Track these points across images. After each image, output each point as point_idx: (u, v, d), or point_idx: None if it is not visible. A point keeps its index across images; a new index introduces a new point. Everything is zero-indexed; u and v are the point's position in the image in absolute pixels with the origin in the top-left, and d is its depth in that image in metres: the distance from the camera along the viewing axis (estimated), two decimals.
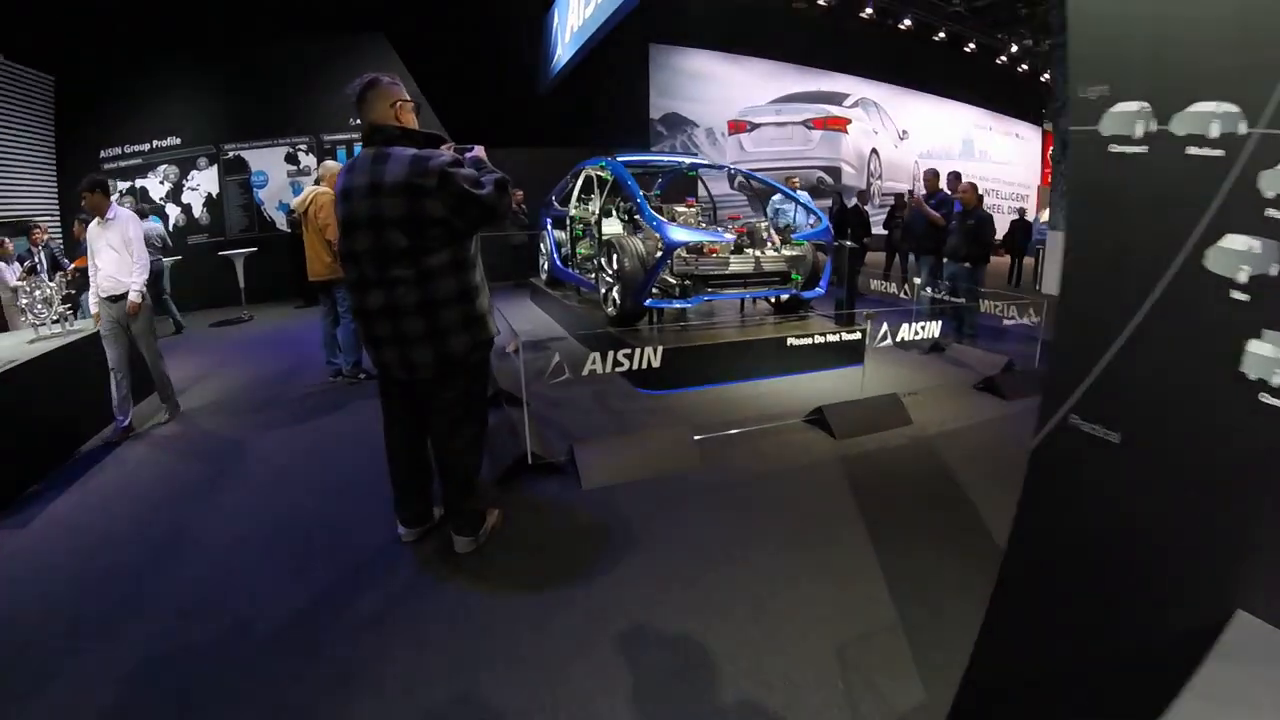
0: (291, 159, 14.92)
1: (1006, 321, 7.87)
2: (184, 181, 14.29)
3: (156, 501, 5.02)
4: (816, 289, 8.42)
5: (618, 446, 5.41)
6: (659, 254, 7.46)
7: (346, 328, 7.70)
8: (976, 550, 4.07)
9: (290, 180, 14.86)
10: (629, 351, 5.58)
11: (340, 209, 3.61)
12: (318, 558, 4.12)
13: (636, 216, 8.73)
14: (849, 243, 8.49)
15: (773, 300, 8.97)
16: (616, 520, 4.52)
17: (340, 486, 5.13)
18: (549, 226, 11.42)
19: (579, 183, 10.40)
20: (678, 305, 7.78)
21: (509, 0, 16.76)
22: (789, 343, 7.62)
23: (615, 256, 7.87)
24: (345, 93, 3.64)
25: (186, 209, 14.30)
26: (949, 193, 10.13)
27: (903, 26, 22.84)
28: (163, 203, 14.13)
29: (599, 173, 9.71)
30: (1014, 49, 25.42)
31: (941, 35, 23.81)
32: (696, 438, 5.60)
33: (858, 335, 7.11)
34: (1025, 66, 27.36)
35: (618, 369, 5.59)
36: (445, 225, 3.43)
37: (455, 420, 3.84)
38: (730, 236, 8.04)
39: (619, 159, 9.18)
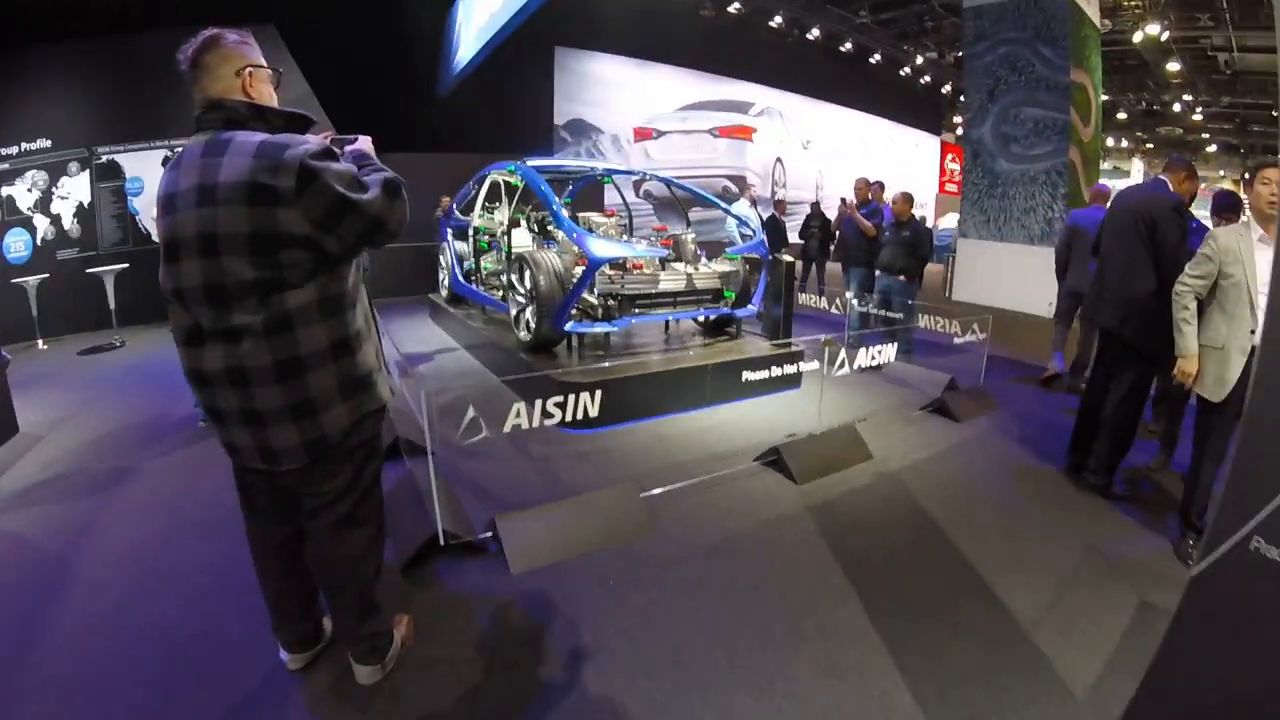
0: (169, 163, 13.17)
1: (958, 340, 7.14)
2: (54, 189, 12.39)
3: None
4: (749, 307, 7.58)
5: (551, 514, 4.40)
6: (580, 271, 6.49)
7: None
8: (974, 622, 3.55)
9: None
10: (560, 401, 4.56)
11: (161, 224, 2.46)
12: (181, 697, 2.96)
13: (550, 227, 7.74)
14: (787, 255, 7.61)
15: (701, 320, 8.06)
16: (557, 617, 3.55)
17: (217, 581, 3.85)
18: (449, 238, 10.20)
19: (484, 189, 9.36)
20: (601, 329, 6.78)
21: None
22: (743, 375, 6.88)
23: (529, 274, 6.86)
24: (176, 60, 2.51)
25: (56, 220, 12.39)
26: (881, 202, 9.47)
27: (811, 37, 22.44)
28: (30, 213, 12.19)
29: (507, 178, 8.69)
30: (919, 61, 25.27)
31: (848, 46, 23.49)
32: (643, 495, 4.67)
33: (814, 365, 6.25)
34: (928, 78, 27.37)
35: (548, 420, 4.54)
36: (310, 246, 2.34)
37: (340, 522, 2.76)
38: (660, 251, 7.11)
39: (530, 164, 8.19)
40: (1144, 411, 5.26)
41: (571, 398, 4.55)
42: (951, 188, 31.12)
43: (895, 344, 6.52)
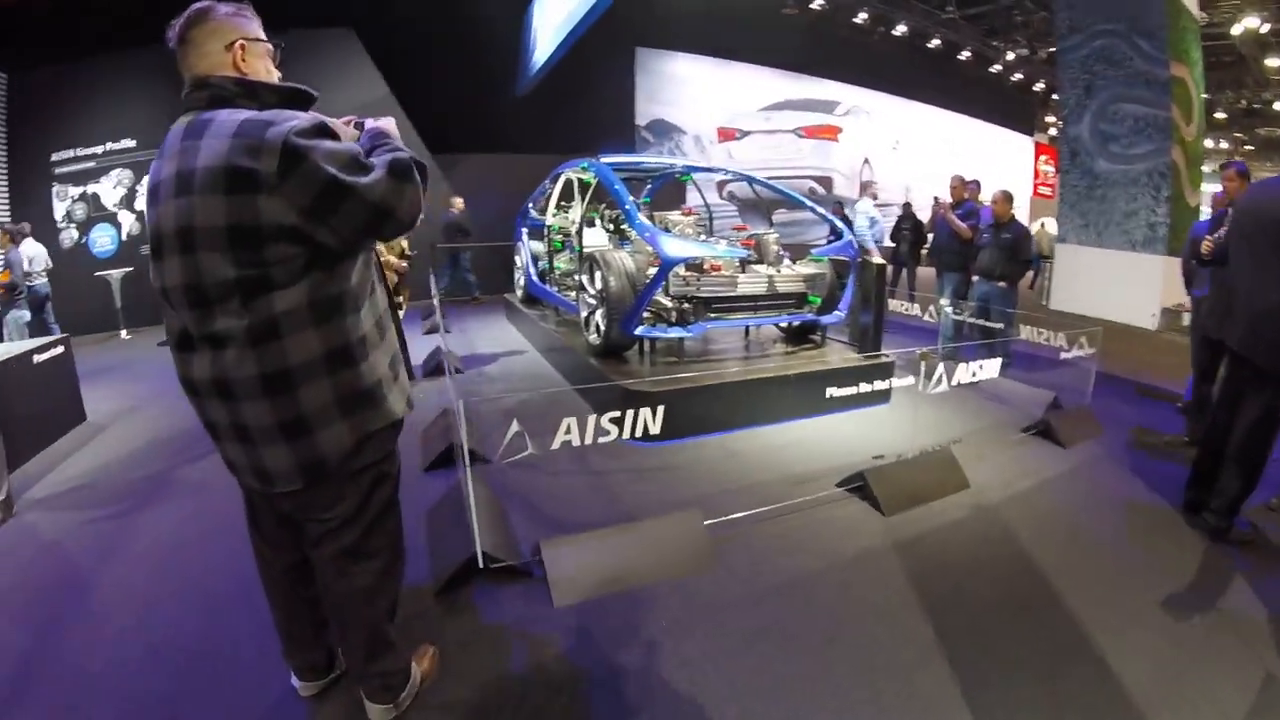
0: None
1: (1064, 355, 6.41)
2: (137, 188, 12.73)
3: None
4: (835, 313, 6.94)
5: (602, 542, 3.90)
6: (653, 272, 5.98)
7: None
8: (1077, 691, 2.94)
9: None
10: (617, 417, 4.00)
11: (148, 216, 2.13)
12: (184, 717, 2.75)
13: (624, 226, 7.26)
14: (878, 258, 6.98)
15: (783, 326, 7.48)
16: (598, 663, 3.07)
17: (244, 595, 3.51)
18: (524, 237, 9.83)
19: (558, 188, 8.93)
20: (675, 335, 6.25)
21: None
22: (827, 389, 6.30)
23: (599, 274, 6.38)
24: (165, 40, 2.13)
25: (140, 217, 12.63)
26: (977, 202, 8.75)
27: (896, 33, 21.52)
28: (115, 209, 12.67)
29: (581, 175, 8.24)
30: (1009, 57, 24.09)
31: (936, 43, 22.44)
32: (708, 523, 4.12)
33: (908, 380, 5.61)
34: (1019, 76, 26.07)
35: (603, 438, 3.99)
36: (299, 239, 1.98)
37: (346, 553, 2.39)
38: (740, 251, 6.55)
39: (604, 160, 7.71)
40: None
41: (630, 414, 4.00)
42: (1045, 190, 29.71)
43: (1000, 358, 5.82)
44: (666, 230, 6.95)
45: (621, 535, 3.97)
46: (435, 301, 9.05)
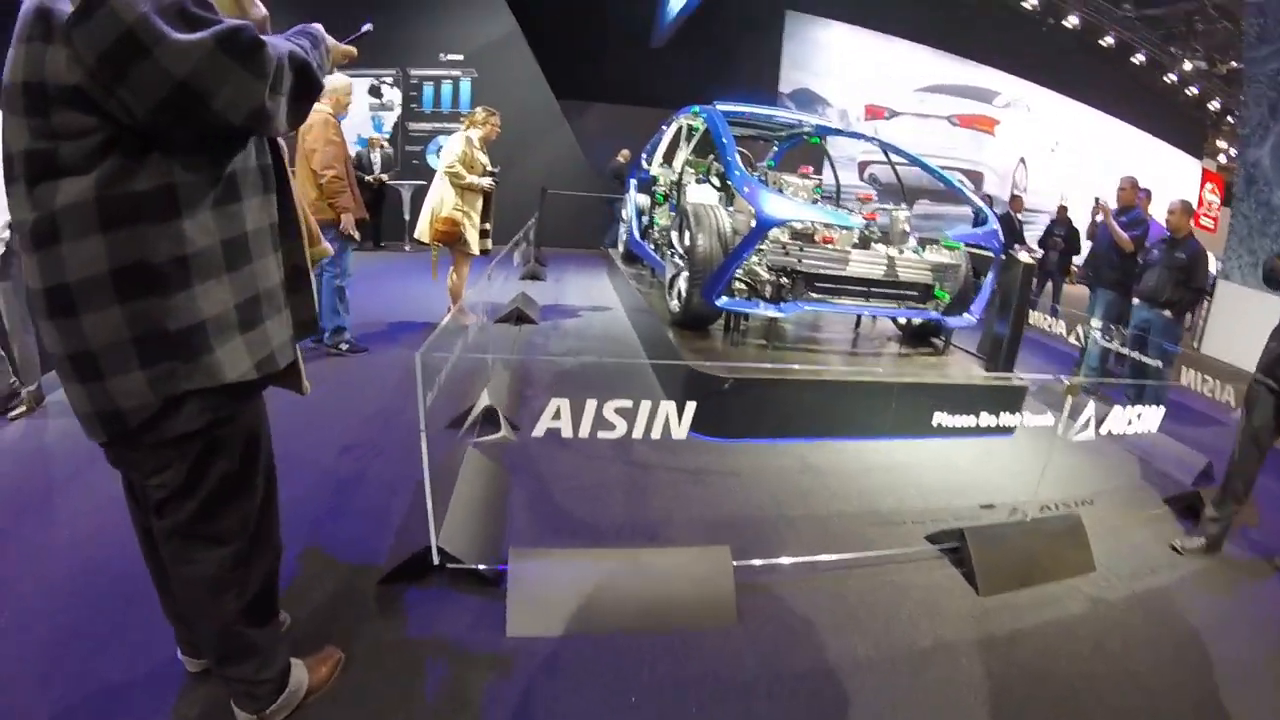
0: (375, 92, 13.16)
1: (1233, 414, 4.86)
2: None
3: None
4: (966, 315, 5.61)
5: (590, 565, 2.90)
6: (748, 233, 4.81)
7: (327, 283, 5.61)
8: None
9: (372, 114, 13.16)
10: (628, 408, 2.90)
11: None
12: (68, 669, 2.29)
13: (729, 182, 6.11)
14: (1025, 255, 5.58)
15: (900, 322, 6.16)
16: None
17: None
18: (633, 189, 8.73)
19: (668, 136, 7.82)
20: (766, 312, 5.06)
21: None
22: (934, 415, 4.88)
23: (689, 231, 5.26)
24: None
25: None
26: (1147, 213, 7.21)
27: (1067, 25, 19.20)
28: None
29: (691, 122, 7.10)
30: (1185, 67, 21.44)
31: (1108, 41, 19.97)
32: (741, 564, 3.02)
33: (1044, 419, 4.26)
34: (1193, 90, 23.28)
35: (605, 433, 2.89)
36: (89, 108, 1.46)
37: (181, 532, 1.86)
38: (856, 221, 5.28)
39: (720, 108, 6.55)
40: None
41: (645, 407, 2.90)
42: (1207, 222, 26.58)
43: (1161, 407, 4.36)
44: (774, 188, 5.76)
45: (618, 560, 2.97)
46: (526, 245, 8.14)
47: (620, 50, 14.82)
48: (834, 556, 3.29)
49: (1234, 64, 19.51)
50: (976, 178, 19.47)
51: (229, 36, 1.44)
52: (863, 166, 17.32)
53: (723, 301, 4.98)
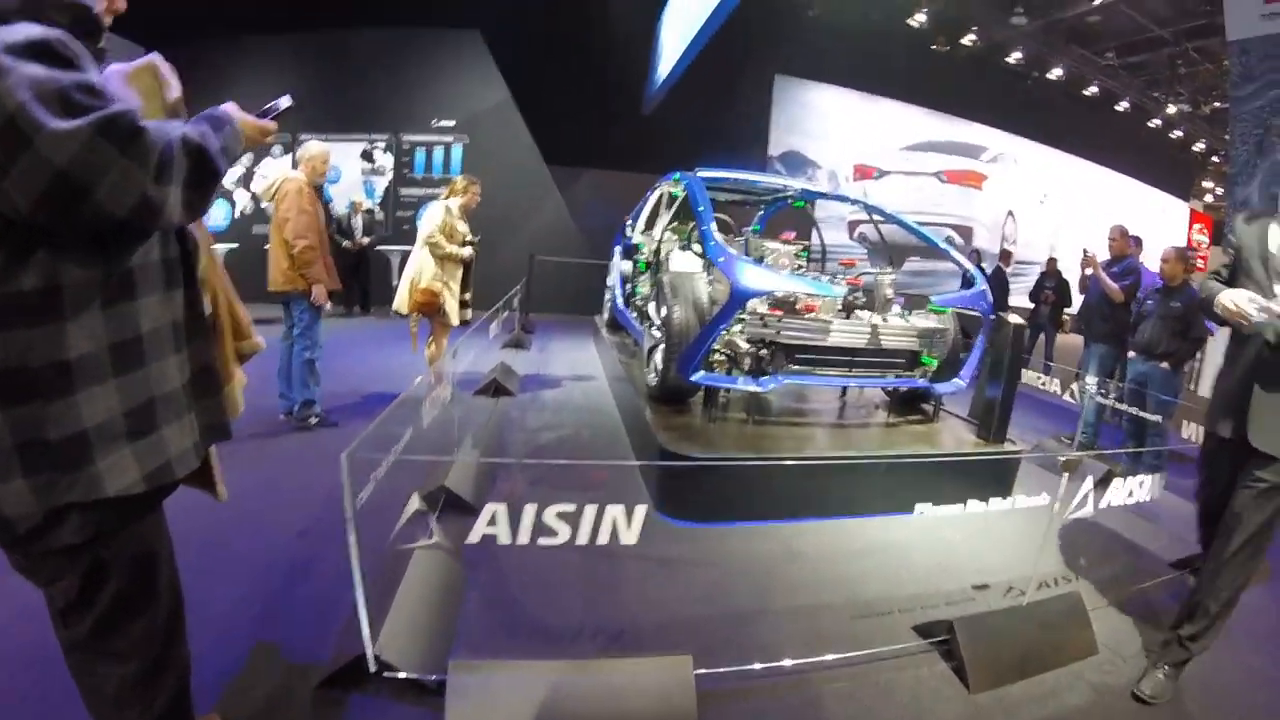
0: (367, 157, 13.28)
1: None
2: (255, 169, 12.72)
3: None
4: (955, 380, 5.32)
5: (535, 679, 2.56)
6: (723, 305, 4.57)
7: (298, 354, 5.43)
8: None
9: (363, 178, 13.23)
10: (571, 511, 2.59)
11: None
12: None
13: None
14: (1015, 317, 5.31)
15: (890, 389, 5.87)
16: None
17: None
18: (617, 256, 8.51)
19: (650, 203, 7.64)
20: (744, 387, 4.78)
21: (617, 9, 14.30)
22: (915, 503, 4.47)
23: (665, 302, 5.03)
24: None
25: (255, 197, 12.60)
26: (1138, 260, 6.97)
27: (1052, 77, 19.31)
28: (233, 187, 12.78)
29: (672, 189, 6.91)
30: (1169, 110, 21.44)
31: (1092, 90, 20.04)
32: (707, 671, 2.71)
33: (1039, 500, 3.93)
34: (1179, 133, 23.26)
35: (545, 539, 2.57)
36: None
37: (81, 646, 1.74)
38: (837, 290, 5.03)
39: (701, 174, 6.36)
40: None
41: (589, 512, 2.61)
42: (1199, 262, 26.39)
43: (1161, 473, 4.06)
44: (758, 258, 5.54)
45: (567, 672, 2.63)
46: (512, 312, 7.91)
47: (611, 116, 14.87)
48: (812, 660, 2.95)
49: (1217, 104, 19.56)
50: (966, 232, 19.43)
51: (108, 122, 1.34)
52: (852, 226, 17.30)
53: (698, 376, 4.70)
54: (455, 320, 6.14)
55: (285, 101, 1.97)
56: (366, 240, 11.54)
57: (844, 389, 6.14)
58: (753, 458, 4.32)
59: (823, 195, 8.33)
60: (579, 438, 5.66)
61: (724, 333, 4.72)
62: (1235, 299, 2.76)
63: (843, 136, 18.55)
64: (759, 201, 8.43)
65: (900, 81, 18.63)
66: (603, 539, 2.62)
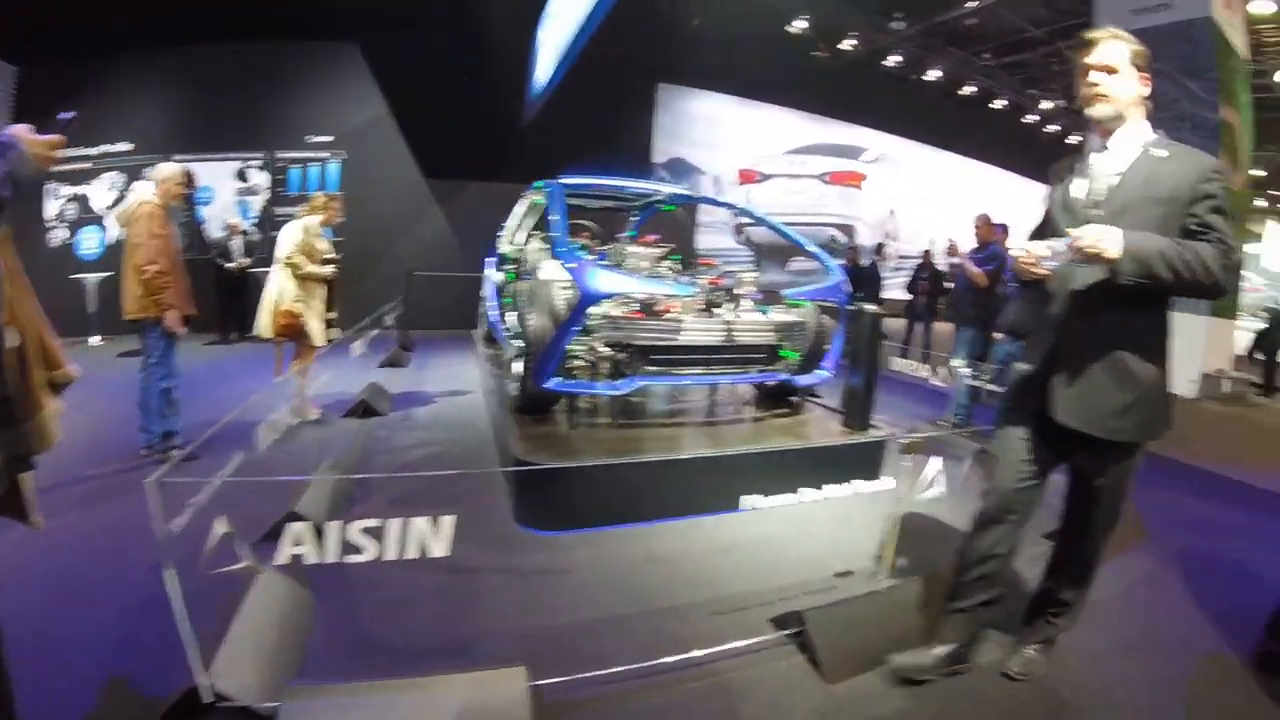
0: (241, 176, 12.61)
1: None
2: (128, 192, 11.70)
3: None
4: (819, 371, 5.32)
5: (369, 699, 2.42)
6: (572, 310, 4.45)
7: (154, 384, 5.06)
8: None
9: (238, 199, 12.53)
10: (375, 526, 2.44)
11: None
12: None
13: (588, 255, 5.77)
14: (869, 305, 5.32)
15: (758, 385, 5.81)
16: None
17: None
18: (489, 268, 8.29)
19: (519, 212, 7.48)
20: (601, 392, 4.66)
21: (495, 20, 14.05)
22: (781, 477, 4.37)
23: (521, 310, 4.89)
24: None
25: None
26: (1004, 248, 7.13)
27: (929, 79, 19.93)
28: (105, 213, 11.94)
29: (537, 197, 6.78)
30: (1044, 106, 22.29)
31: (970, 90, 20.76)
32: (543, 683, 2.57)
33: (883, 484, 3.89)
34: (1056, 127, 24.21)
35: (352, 557, 2.43)
36: None
37: None
38: (685, 289, 4.94)
39: (564, 180, 6.25)
40: None
41: (394, 526, 2.47)
42: None
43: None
44: (617, 262, 5.45)
45: (403, 692, 2.47)
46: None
47: (492, 127, 14.50)
48: (667, 660, 2.83)
49: None
50: (850, 230, 19.79)
51: None
52: (738, 229, 17.37)
53: (554, 383, 4.55)
54: (320, 341, 5.91)
55: (64, 116, 1.99)
56: (248, 261, 11.03)
57: (715, 387, 6.06)
58: (589, 462, 4.14)
59: (692, 198, 8.31)
60: (447, 454, 5.45)
61: (581, 338, 4.60)
62: (1025, 245, 2.61)
63: (726, 142, 18.75)
64: (631, 207, 8.34)
65: (782, 87, 18.90)
66: (411, 553, 2.48)
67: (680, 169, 17.97)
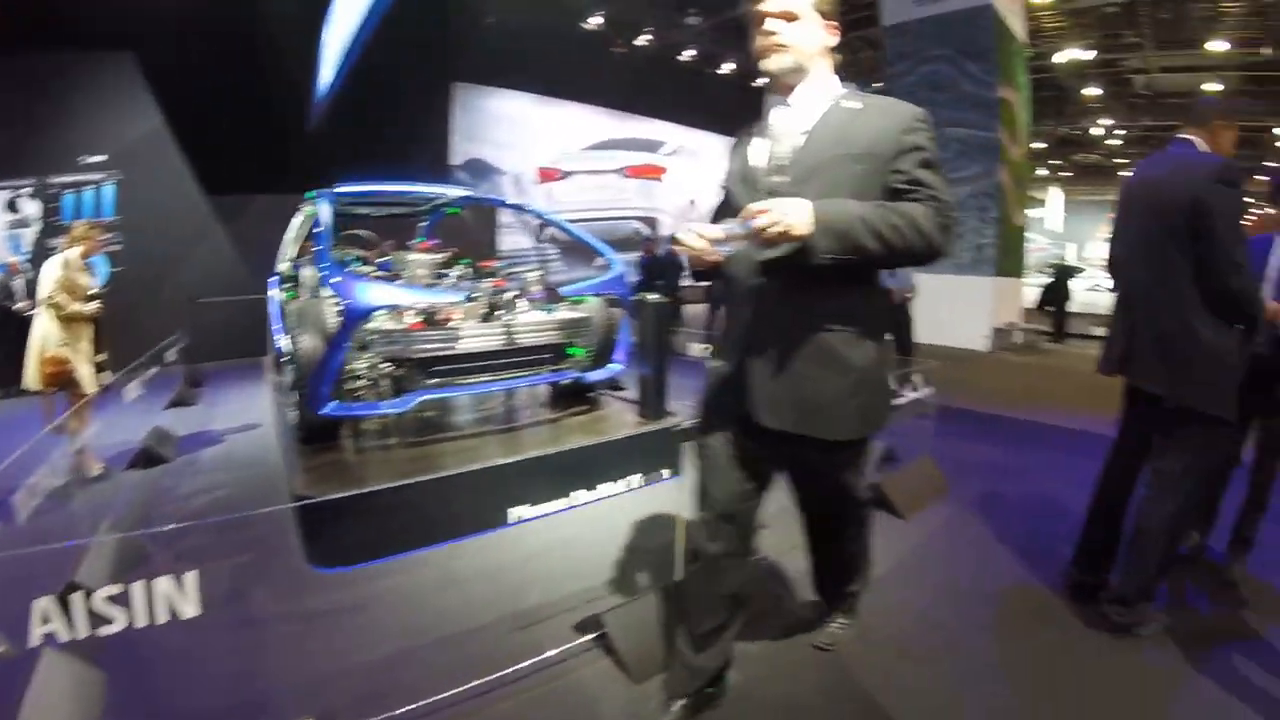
0: (12, 206, 10.99)
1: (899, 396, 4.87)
2: None
3: None
4: (612, 365, 5.29)
5: None
6: (339, 328, 4.19)
7: None
8: None
9: (9, 232, 10.93)
10: (120, 591, 2.17)
11: None
12: None
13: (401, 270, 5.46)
14: (654, 295, 5.29)
15: (554, 385, 5.68)
16: None
17: None
18: (272, 288, 7.70)
19: (296, 226, 7.05)
20: (383, 412, 4.41)
21: (279, 20, 13.22)
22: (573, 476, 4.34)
23: (293, 332, 4.58)
24: None
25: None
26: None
27: (724, 71, 20.69)
28: None
29: (310, 209, 6.39)
30: None
31: (762, 81, 21.36)
32: None
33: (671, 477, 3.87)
34: None
35: (103, 629, 2.14)
36: None
37: None
38: (461, 295, 4.73)
39: (341, 189, 5.91)
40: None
41: (137, 590, 2.18)
42: None
43: None
44: (394, 274, 5.19)
45: None
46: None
47: (277, 137, 13.53)
48: (475, 683, 2.68)
49: (877, 85, 21.71)
50: (653, 223, 20.16)
51: None
52: (541, 228, 17.15)
53: (331, 407, 4.26)
54: (90, 387, 5.31)
55: None
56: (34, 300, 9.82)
57: (511, 391, 5.88)
58: (357, 491, 3.87)
59: (478, 199, 8.08)
60: (235, 497, 4.97)
61: (357, 356, 4.33)
62: (695, 229, 2.05)
63: (525, 141, 18.50)
64: (418, 212, 8.02)
65: (580, 84, 18.88)
66: (161, 616, 2.21)
67: (479, 170, 17.61)
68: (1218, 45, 16.79)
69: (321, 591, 3.58)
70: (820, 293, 2.13)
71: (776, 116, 2.29)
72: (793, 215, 1.86)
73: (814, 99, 2.21)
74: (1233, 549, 3.70)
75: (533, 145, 18.63)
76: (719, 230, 1.98)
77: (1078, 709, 2.62)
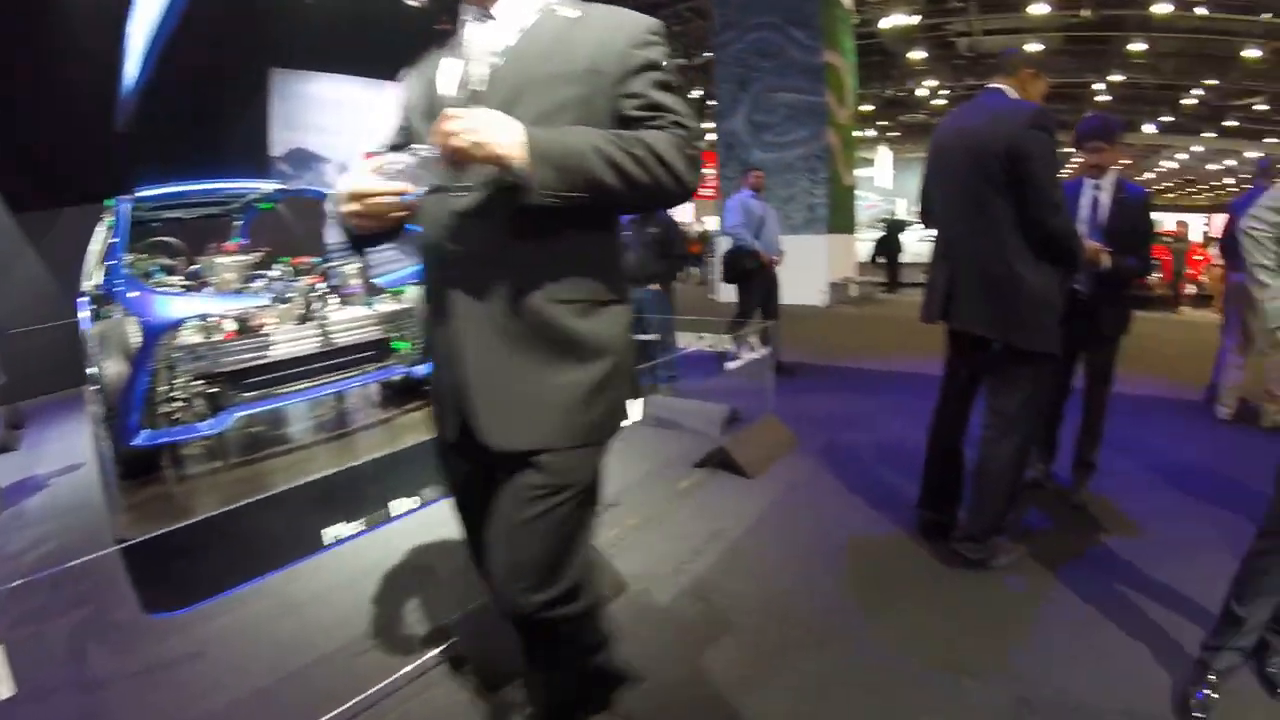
0: None
1: (731, 366, 4.92)
2: None
3: None
4: None
5: None
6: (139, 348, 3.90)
7: None
8: None
9: None
10: None
11: None
12: None
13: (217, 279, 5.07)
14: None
15: (385, 383, 5.47)
16: None
17: None
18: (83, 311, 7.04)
19: (99, 238, 6.52)
20: (200, 435, 4.13)
21: (77, 16, 12.13)
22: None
23: (96, 359, 4.24)
24: None
25: None
26: None
27: None
28: None
29: (111, 219, 5.91)
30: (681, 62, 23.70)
31: None
32: None
33: None
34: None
35: None
36: None
37: None
38: (262, 300, 4.47)
39: (142, 193, 5.49)
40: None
41: None
42: (707, 191, 29.59)
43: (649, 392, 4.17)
44: (202, 281, 4.86)
45: None
46: None
47: (83, 142, 12.51)
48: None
49: (707, 54, 21.95)
50: None
51: None
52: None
53: (143, 437, 3.96)
54: None
55: None
56: None
57: (341, 395, 5.63)
58: (163, 529, 3.61)
59: (291, 192, 7.59)
60: (61, 549, 4.48)
61: (164, 377, 4.02)
62: (357, 173, 1.51)
63: (353, 127, 17.50)
64: (232, 210, 7.54)
65: (406, 63, 17.89)
66: None
67: (302, 159, 16.56)
68: (1039, 9, 17.98)
69: (159, 639, 3.32)
70: (542, 249, 1.60)
71: (472, 30, 1.75)
72: (497, 131, 1.39)
73: (521, 6, 1.69)
74: (1076, 474, 3.99)
75: (360, 131, 17.71)
76: (397, 161, 1.43)
77: (946, 643, 2.76)
